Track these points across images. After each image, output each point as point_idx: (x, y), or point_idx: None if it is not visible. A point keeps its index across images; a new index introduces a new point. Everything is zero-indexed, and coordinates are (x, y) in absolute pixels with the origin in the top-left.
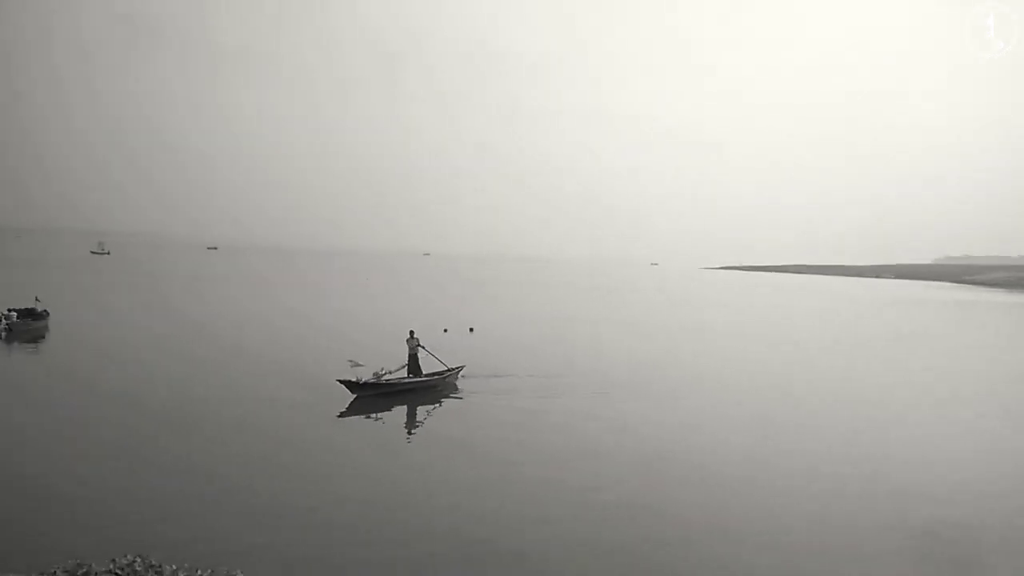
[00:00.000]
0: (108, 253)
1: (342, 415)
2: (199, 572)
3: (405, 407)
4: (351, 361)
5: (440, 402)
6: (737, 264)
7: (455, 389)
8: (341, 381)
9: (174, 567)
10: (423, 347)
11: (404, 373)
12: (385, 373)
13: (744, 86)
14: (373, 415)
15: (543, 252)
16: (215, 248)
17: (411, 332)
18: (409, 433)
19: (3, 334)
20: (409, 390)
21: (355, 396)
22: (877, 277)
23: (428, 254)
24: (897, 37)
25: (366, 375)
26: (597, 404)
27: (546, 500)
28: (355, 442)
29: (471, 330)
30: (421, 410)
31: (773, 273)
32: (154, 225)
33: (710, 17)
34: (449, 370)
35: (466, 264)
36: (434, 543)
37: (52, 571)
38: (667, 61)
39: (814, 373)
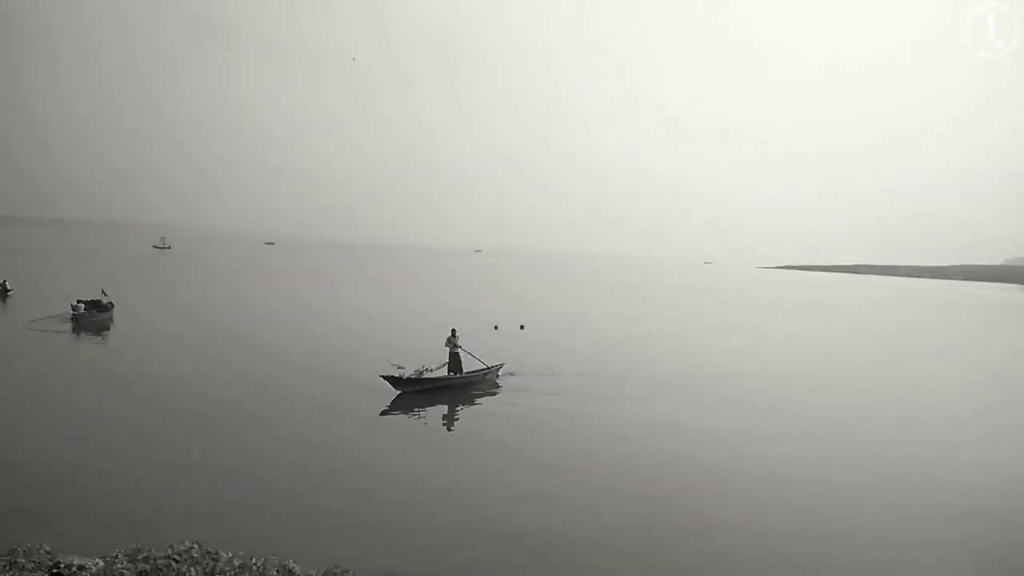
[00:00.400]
0: (169, 247)
1: (385, 412)
2: (253, 560)
3: (447, 405)
4: (393, 363)
5: (484, 401)
6: (795, 263)
7: (496, 386)
8: (385, 377)
9: (229, 554)
10: (462, 347)
11: (445, 371)
12: (426, 371)
13: (803, 81)
14: (417, 412)
15: (594, 249)
16: (272, 243)
17: (453, 331)
18: (450, 430)
19: (71, 325)
20: (450, 387)
21: (399, 392)
22: (945, 279)
23: (479, 250)
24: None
25: (408, 373)
26: (647, 406)
27: (600, 509)
28: (402, 440)
29: (521, 327)
30: (466, 409)
31: (832, 273)
32: (214, 221)
33: (764, 12)
34: (488, 368)
35: (517, 260)
36: (482, 547)
37: (114, 554)
38: (720, 56)
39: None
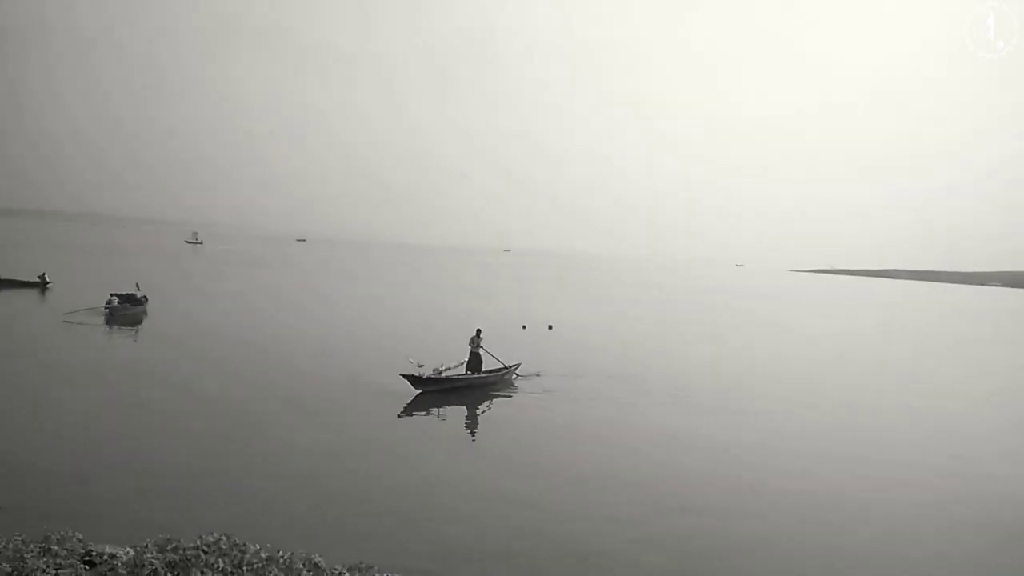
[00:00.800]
0: (201, 243)
1: (407, 411)
2: (280, 553)
3: (468, 406)
4: (412, 361)
5: (509, 402)
6: (829, 267)
7: (515, 387)
8: (404, 376)
9: (256, 547)
10: (484, 348)
11: (463, 370)
12: (445, 369)
13: (841, 79)
14: (438, 412)
15: (623, 250)
16: (304, 240)
17: (478, 331)
18: (473, 432)
19: (105, 317)
20: (469, 387)
21: (419, 392)
22: (982, 284)
23: (508, 250)
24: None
25: (427, 371)
26: (676, 412)
27: (626, 520)
28: (425, 440)
29: (550, 327)
30: (490, 410)
31: (866, 278)
32: (246, 218)
33: (803, 8)
34: (507, 367)
35: (547, 261)
36: (502, 551)
37: (145, 544)
38: (752, 53)
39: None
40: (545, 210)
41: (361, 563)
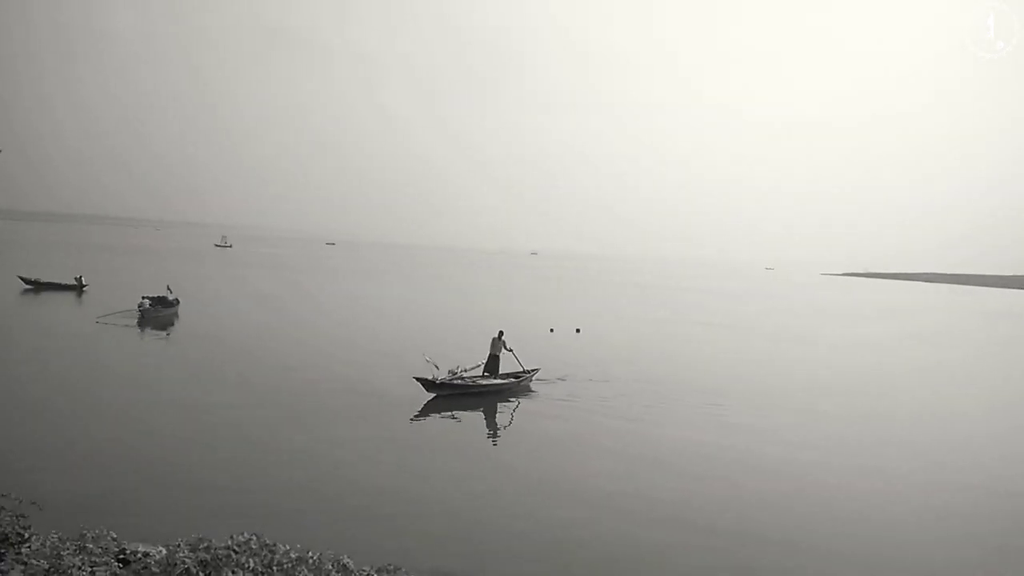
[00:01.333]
0: (231, 246)
1: (417, 416)
2: (310, 554)
3: (493, 410)
4: (428, 360)
5: (537, 407)
6: (862, 271)
7: (534, 391)
8: (418, 379)
9: (286, 547)
10: (509, 350)
11: (480, 372)
12: (461, 371)
13: (880, 82)
14: (461, 415)
15: (652, 252)
16: (333, 244)
17: (500, 332)
18: (496, 437)
19: (137, 319)
20: (485, 392)
21: (432, 395)
22: (1020, 288)
23: (535, 253)
24: None
25: (442, 373)
26: (708, 421)
27: (658, 544)
28: (447, 443)
29: (577, 331)
30: (517, 415)
31: (902, 281)
32: (278, 221)
33: (845, 10)
34: (526, 372)
35: (574, 263)
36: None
37: (177, 543)
38: (788, 51)
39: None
40: (570, 213)
41: (389, 565)
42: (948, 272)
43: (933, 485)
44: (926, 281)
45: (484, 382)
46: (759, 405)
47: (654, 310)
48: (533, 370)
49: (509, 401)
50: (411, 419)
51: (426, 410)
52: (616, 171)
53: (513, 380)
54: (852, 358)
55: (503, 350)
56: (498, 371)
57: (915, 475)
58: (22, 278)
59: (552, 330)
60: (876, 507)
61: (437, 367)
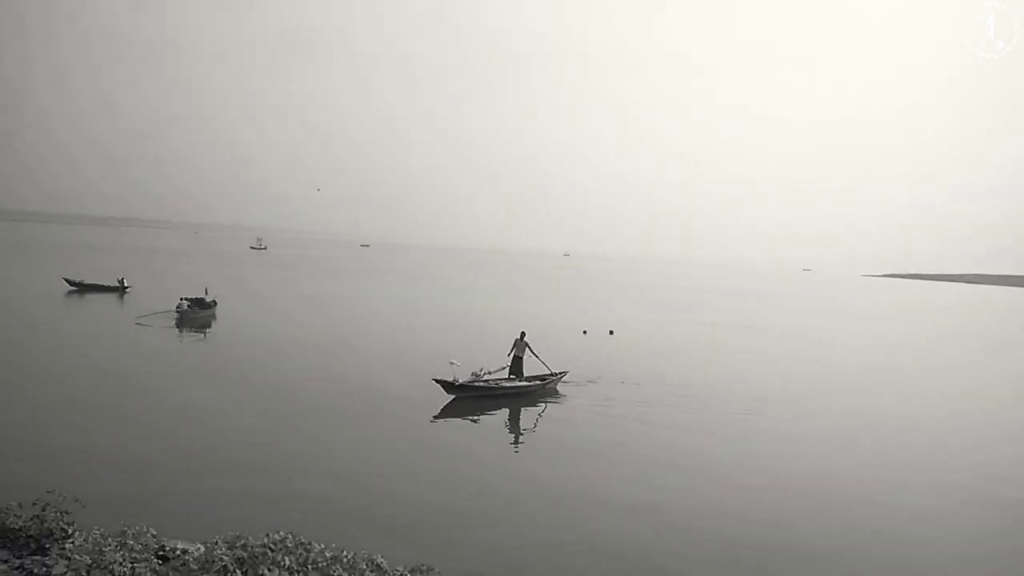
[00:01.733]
0: (265, 248)
1: (438, 418)
2: (344, 552)
3: (507, 412)
4: (454, 363)
5: (552, 410)
6: (903, 272)
7: (557, 395)
8: (437, 381)
9: (321, 546)
10: (530, 351)
11: (504, 374)
12: (484, 373)
13: (919, 78)
14: (487, 416)
15: (687, 254)
16: (368, 246)
17: (522, 333)
18: (521, 447)
19: (175, 321)
20: (508, 394)
21: (452, 397)
22: None
23: (568, 255)
24: None
25: (464, 375)
26: (744, 426)
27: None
28: (473, 445)
29: (611, 332)
30: (546, 417)
31: (944, 283)
32: (307, 223)
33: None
34: (553, 375)
35: (607, 265)
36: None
37: (215, 540)
38: (823, 51)
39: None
40: (601, 214)
41: (422, 565)
42: (991, 274)
43: (992, 501)
44: (968, 283)
45: (507, 384)
46: (799, 411)
47: (690, 312)
48: (561, 372)
49: (536, 404)
50: (431, 420)
51: (448, 412)
52: (647, 174)
53: (539, 383)
54: (898, 359)
55: (527, 351)
56: (522, 373)
57: (971, 489)
58: (67, 280)
59: (585, 332)
60: (931, 524)
61: (458, 365)
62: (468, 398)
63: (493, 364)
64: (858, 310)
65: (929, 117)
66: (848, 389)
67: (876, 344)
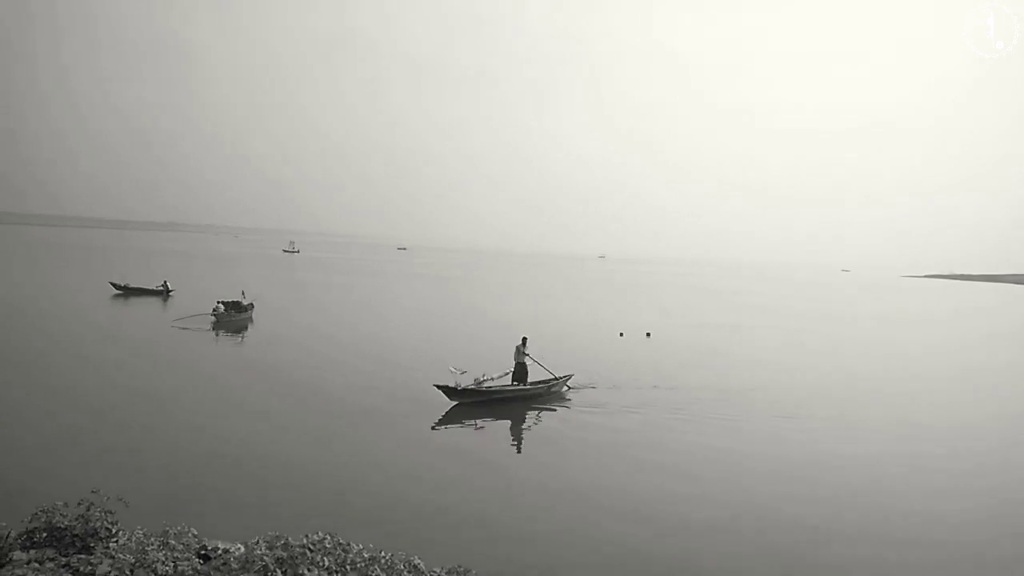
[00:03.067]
0: (298, 251)
1: (437, 425)
2: (382, 553)
3: (510, 421)
4: (454, 370)
5: (561, 414)
6: (947, 272)
7: (564, 399)
8: (439, 386)
9: (359, 547)
10: (529, 356)
11: (508, 380)
12: (487, 379)
13: (957, 81)
14: (502, 422)
15: (725, 255)
16: (404, 248)
17: (524, 339)
18: (519, 454)
19: (212, 324)
20: (511, 399)
21: (454, 403)
22: None
23: (603, 256)
24: None
25: (467, 381)
26: (781, 435)
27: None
28: (497, 447)
29: (648, 335)
30: (573, 422)
31: (988, 283)
32: (352, 227)
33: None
34: (556, 379)
35: (643, 267)
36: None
37: (255, 540)
38: (863, 49)
39: None
40: (637, 216)
41: (459, 566)
42: None
43: None
44: (1015, 283)
45: (507, 389)
46: (836, 419)
47: (727, 315)
48: (565, 376)
49: (554, 409)
50: (439, 425)
51: (455, 417)
52: (687, 176)
53: (542, 387)
54: (947, 365)
55: (526, 357)
56: (526, 379)
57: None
58: (113, 283)
59: (622, 334)
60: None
61: (464, 373)
62: (468, 404)
63: (497, 370)
64: (905, 313)
65: (967, 117)
66: (897, 396)
67: (928, 350)
